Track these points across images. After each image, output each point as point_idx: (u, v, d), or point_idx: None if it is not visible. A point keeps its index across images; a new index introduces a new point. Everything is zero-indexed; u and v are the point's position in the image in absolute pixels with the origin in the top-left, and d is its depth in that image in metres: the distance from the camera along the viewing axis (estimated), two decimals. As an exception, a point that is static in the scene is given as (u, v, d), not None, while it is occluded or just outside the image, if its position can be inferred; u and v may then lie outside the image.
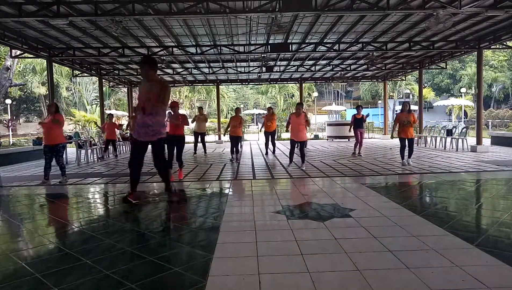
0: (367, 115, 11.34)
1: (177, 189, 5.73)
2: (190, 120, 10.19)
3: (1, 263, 3.19)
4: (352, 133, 11.82)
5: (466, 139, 12.65)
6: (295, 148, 9.07)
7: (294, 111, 9.03)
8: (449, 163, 9.14)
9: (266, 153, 12.23)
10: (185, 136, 8.04)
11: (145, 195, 6.35)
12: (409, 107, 9.08)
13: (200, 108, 14.23)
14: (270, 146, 12.32)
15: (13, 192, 6.80)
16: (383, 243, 3.35)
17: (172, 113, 7.55)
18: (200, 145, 13.11)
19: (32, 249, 3.63)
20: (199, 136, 13.01)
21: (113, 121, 12.68)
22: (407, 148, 8.90)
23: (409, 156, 8.99)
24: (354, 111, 11.60)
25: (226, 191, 6.40)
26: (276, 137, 12.65)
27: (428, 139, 14.70)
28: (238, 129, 10.71)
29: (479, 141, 12.36)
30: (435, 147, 13.70)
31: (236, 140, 10.74)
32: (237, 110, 11.43)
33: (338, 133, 20.17)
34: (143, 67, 5.15)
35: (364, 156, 11.08)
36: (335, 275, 2.71)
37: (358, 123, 11.14)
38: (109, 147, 12.57)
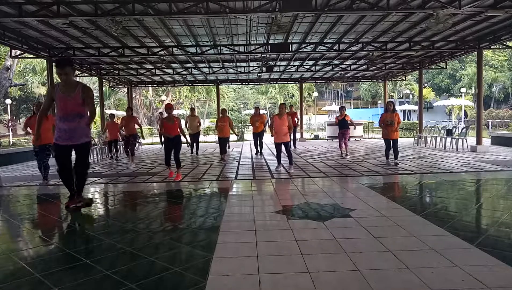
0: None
1: (85, 198, 5.31)
2: (183, 121, 10.26)
3: (1, 263, 3.19)
4: (352, 133, 11.82)
5: (466, 139, 12.65)
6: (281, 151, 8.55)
7: (277, 113, 8.45)
8: (449, 163, 9.14)
9: (256, 153, 12.23)
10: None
11: (145, 195, 6.36)
12: (393, 106, 8.92)
13: (192, 109, 14.28)
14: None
15: (13, 192, 6.81)
16: (383, 243, 3.35)
17: (167, 115, 7.60)
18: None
19: (32, 249, 3.63)
20: (193, 137, 13.04)
21: (114, 121, 12.60)
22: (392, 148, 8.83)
23: (395, 157, 8.83)
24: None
25: (226, 191, 6.40)
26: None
27: (428, 139, 14.69)
28: (225, 130, 10.70)
29: (479, 141, 12.36)
30: (435, 147, 13.69)
31: (222, 141, 10.76)
32: (223, 111, 11.47)
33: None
34: (65, 70, 4.72)
35: (364, 156, 11.08)
36: (335, 275, 2.71)
37: (341, 124, 11.11)
38: (113, 147, 12.49)
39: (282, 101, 38.97)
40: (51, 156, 7.47)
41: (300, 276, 2.69)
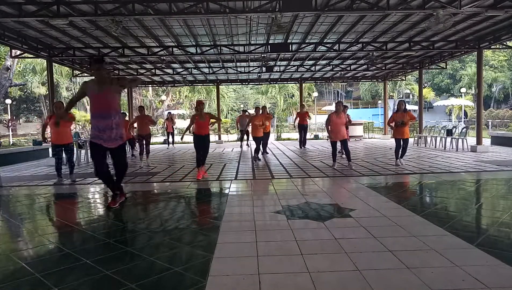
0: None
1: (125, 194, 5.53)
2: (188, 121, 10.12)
3: (1, 263, 3.20)
4: (352, 133, 11.83)
5: (466, 139, 12.64)
6: (337, 148, 8.63)
7: (334, 111, 8.58)
8: (449, 163, 9.14)
9: (263, 153, 12.22)
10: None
11: (145, 195, 6.36)
12: (405, 106, 8.92)
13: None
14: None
15: (13, 192, 6.81)
16: (383, 243, 3.35)
17: (198, 112, 7.45)
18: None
19: (32, 249, 3.63)
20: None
21: (126, 119, 12.49)
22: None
23: (401, 156, 8.90)
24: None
25: (226, 191, 6.40)
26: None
27: (428, 139, 14.69)
28: (259, 129, 10.47)
29: (479, 141, 12.35)
30: (435, 147, 13.69)
31: (258, 140, 10.56)
32: (257, 109, 11.01)
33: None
34: (99, 67, 4.82)
35: (364, 156, 11.07)
36: (335, 275, 2.71)
37: None
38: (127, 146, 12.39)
39: (282, 101, 38.96)
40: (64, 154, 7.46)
41: (300, 276, 2.69)
